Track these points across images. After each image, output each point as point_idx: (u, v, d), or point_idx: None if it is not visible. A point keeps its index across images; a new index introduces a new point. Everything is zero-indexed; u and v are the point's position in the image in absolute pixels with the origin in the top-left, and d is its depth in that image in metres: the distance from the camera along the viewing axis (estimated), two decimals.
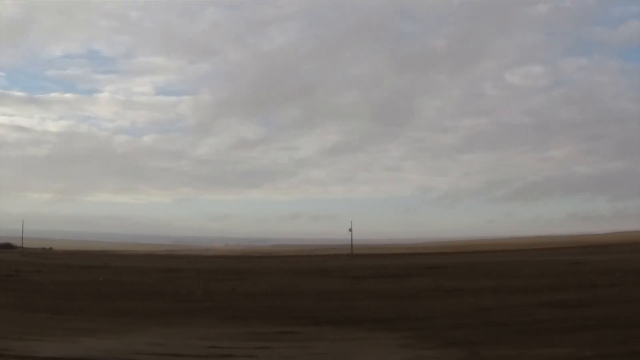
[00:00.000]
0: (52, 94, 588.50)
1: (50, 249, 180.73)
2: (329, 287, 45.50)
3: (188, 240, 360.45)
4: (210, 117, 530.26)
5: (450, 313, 28.56)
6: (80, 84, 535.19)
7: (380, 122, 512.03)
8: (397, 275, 57.42)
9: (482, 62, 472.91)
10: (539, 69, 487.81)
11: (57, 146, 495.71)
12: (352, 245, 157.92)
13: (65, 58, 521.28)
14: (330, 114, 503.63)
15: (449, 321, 25.89)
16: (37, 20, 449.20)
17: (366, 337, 22.15)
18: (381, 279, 53.79)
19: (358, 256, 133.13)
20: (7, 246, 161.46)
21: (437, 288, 42.17)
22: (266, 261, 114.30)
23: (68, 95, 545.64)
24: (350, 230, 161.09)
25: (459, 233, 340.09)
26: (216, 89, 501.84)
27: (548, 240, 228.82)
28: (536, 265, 68.98)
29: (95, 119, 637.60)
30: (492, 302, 32.41)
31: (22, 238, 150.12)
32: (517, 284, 43.24)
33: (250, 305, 34.06)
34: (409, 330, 23.18)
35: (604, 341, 19.52)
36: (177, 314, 30.21)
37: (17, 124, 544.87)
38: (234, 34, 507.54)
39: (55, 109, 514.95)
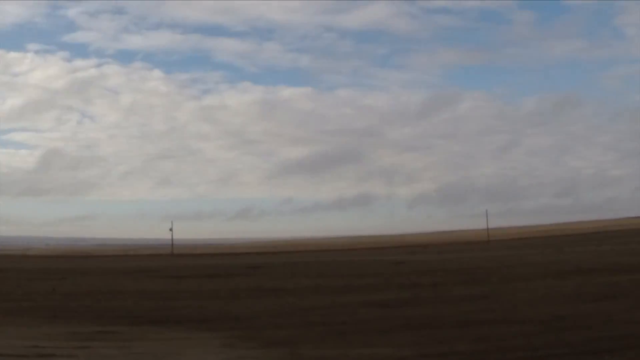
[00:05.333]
0: None
1: None
2: (149, 287, 45.06)
3: (7, 240, 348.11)
4: None
5: (271, 313, 28.49)
6: None
7: None
8: (219, 275, 57.31)
9: None
10: None
11: None
12: (172, 245, 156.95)
13: None
14: None
15: (270, 321, 25.82)
16: None
17: (187, 337, 22.05)
18: (202, 278, 53.52)
19: (179, 256, 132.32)
20: None
21: (258, 288, 42.18)
22: (87, 261, 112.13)
23: None
24: (171, 230, 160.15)
25: (284, 233, 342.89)
26: None
27: (371, 240, 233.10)
28: (358, 265, 70.18)
29: None
30: (312, 301, 32.54)
31: None
32: (338, 283, 43.58)
33: (71, 305, 33.56)
34: (230, 330, 23.19)
35: (425, 341, 19.73)
36: None
37: None
38: None
39: None
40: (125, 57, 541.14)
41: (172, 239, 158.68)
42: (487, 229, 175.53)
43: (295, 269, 64.42)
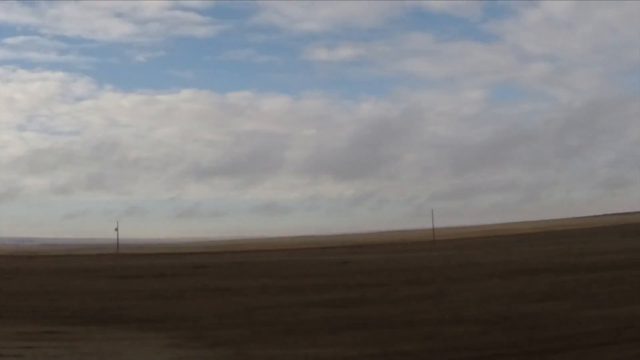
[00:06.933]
0: None
1: None
2: (95, 287, 44.76)
3: None
4: None
5: (217, 313, 28.41)
6: None
7: None
8: (164, 274, 57.05)
9: None
10: None
11: None
12: (117, 244, 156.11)
13: None
14: None
15: (216, 321, 25.81)
16: None
17: (133, 337, 21.85)
18: (148, 278, 53.33)
19: (124, 256, 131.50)
20: None
21: (204, 288, 42.06)
22: (33, 261, 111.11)
23: None
24: (116, 229, 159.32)
25: (228, 233, 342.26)
26: None
27: (316, 240, 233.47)
28: (303, 265, 70.14)
29: None
30: (258, 301, 32.33)
31: None
32: (283, 283, 43.47)
33: (17, 305, 33.37)
34: (176, 330, 23.07)
35: (371, 341, 19.67)
36: None
37: None
38: None
39: None
40: None
41: (117, 239, 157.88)
42: (433, 228, 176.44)
43: (241, 269, 64.37)
